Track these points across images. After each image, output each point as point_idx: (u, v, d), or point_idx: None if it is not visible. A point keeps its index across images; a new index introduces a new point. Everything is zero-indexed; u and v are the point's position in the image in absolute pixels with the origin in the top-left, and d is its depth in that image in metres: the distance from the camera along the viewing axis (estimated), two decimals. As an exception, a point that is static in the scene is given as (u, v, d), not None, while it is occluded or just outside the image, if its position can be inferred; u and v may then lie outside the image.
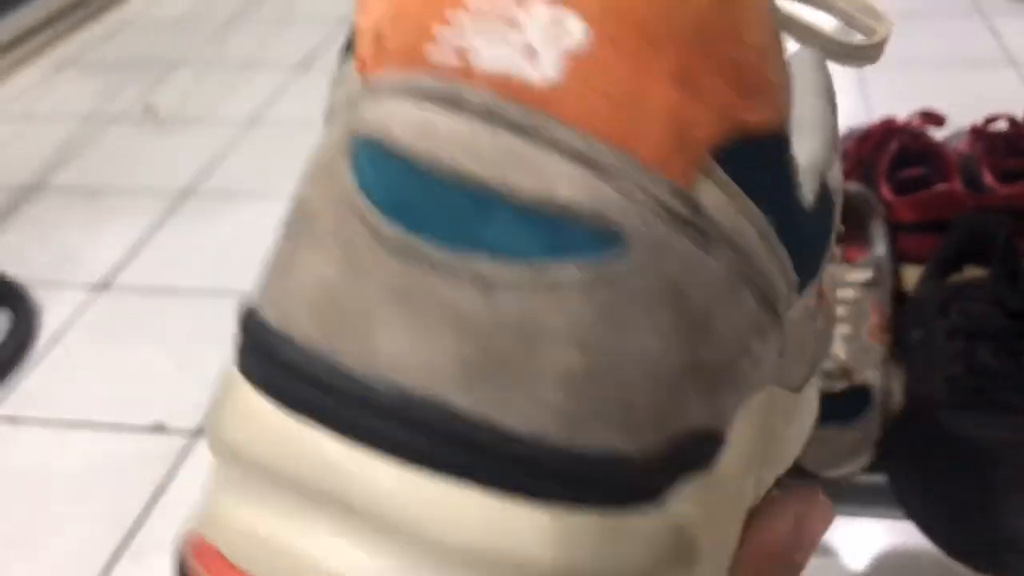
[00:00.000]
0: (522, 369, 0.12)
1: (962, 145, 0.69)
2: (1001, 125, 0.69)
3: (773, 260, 0.15)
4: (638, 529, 0.13)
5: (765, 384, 0.17)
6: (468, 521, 0.12)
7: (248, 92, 1.86)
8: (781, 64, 0.14)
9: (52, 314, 1.29)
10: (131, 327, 1.26)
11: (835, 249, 0.21)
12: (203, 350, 1.21)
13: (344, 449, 0.13)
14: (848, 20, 0.21)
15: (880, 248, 0.63)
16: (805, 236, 0.16)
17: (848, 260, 0.60)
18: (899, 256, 0.65)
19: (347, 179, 0.13)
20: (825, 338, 0.26)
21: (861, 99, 1.58)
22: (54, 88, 1.99)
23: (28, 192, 1.59)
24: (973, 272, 0.59)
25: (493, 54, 0.13)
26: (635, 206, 0.13)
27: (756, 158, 0.14)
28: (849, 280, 0.59)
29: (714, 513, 0.15)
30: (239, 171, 1.61)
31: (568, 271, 0.12)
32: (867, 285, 0.59)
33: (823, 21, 0.21)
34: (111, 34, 2.22)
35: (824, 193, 0.17)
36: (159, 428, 1.09)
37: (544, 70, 0.12)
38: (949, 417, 0.52)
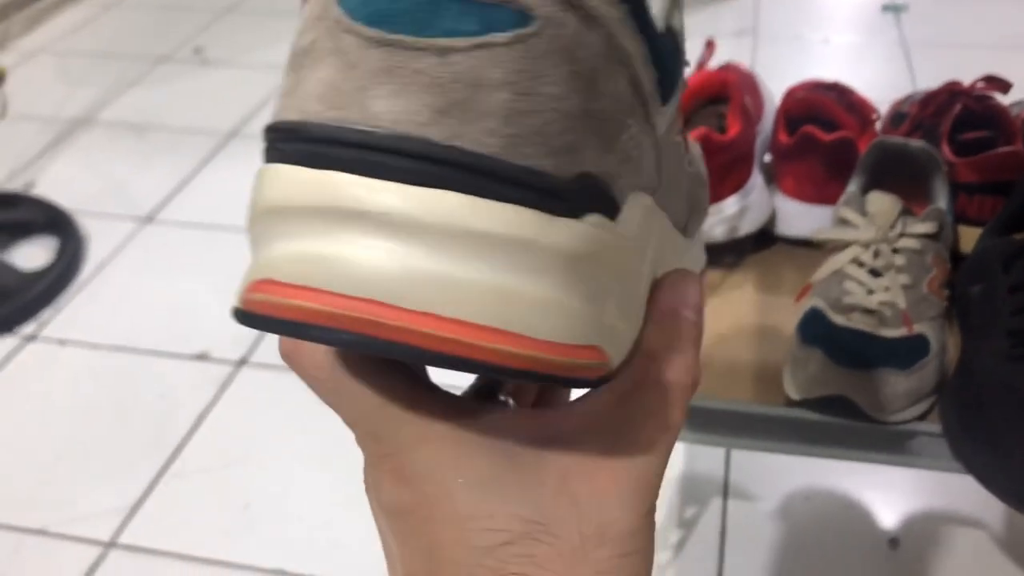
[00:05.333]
0: (473, 108, 0.18)
1: (1026, 111, 0.69)
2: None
3: (633, 44, 0.21)
4: (566, 224, 0.19)
5: (648, 190, 0.24)
6: (449, 213, 0.18)
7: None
8: None
9: (99, 243, 1.31)
10: (175, 259, 1.28)
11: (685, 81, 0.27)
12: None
13: (358, 179, 0.18)
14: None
15: (942, 202, 0.63)
16: (658, 50, 0.22)
17: (912, 213, 0.60)
18: (957, 217, 0.65)
19: (336, 11, 0.19)
20: (699, 187, 0.35)
21: (908, 76, 1.58)
22: (101, 27, 2.01)
23: (76, 125, 1.61)
24: (1036, 231, 0.59)
25: None
26: None
27: None
28: (912, 232, 0.59)
29: (618, 257, 0.21)
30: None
31: (498, 37, 0.18)
32: (929, 237, 0.59)
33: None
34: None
35: (671, 29, 0.23)
36: (203, 357, 1.11)
37: None
38: (1010, 369, 0.53)
